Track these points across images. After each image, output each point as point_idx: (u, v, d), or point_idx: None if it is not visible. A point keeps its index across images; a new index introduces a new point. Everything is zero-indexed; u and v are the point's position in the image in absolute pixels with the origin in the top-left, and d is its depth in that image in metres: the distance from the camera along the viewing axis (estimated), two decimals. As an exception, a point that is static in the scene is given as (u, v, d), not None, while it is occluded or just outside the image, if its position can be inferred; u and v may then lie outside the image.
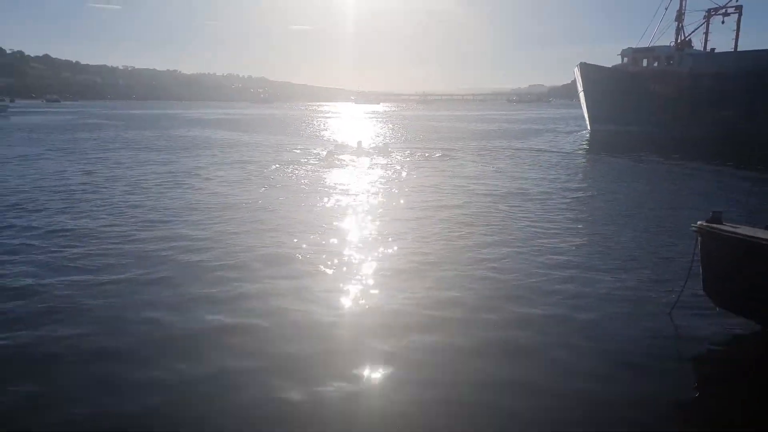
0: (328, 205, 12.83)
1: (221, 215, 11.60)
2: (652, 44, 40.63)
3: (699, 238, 6.57)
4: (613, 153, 26.24)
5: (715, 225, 6.35)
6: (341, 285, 7.57)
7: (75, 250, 8.96)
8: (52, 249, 9.03)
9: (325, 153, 23.65)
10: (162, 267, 8.15)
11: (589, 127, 41.51)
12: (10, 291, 7.15)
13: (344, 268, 8.24)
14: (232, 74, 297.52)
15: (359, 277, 7.86)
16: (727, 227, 6.24)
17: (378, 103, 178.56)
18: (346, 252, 9.04)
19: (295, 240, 9.70)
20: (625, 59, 41.31)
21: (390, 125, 55.66)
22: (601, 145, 31.00)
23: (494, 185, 15.93)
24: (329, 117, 76.30)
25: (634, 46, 40.93)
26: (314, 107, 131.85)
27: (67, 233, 10.03)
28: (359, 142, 26.95)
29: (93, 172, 18.17)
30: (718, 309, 6.57)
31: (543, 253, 9.02)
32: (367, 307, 6.86)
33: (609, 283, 7.65)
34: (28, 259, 8.46)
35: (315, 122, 59.70)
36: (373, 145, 28.05)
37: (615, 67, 41.33)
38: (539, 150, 27.63)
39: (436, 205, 12.81)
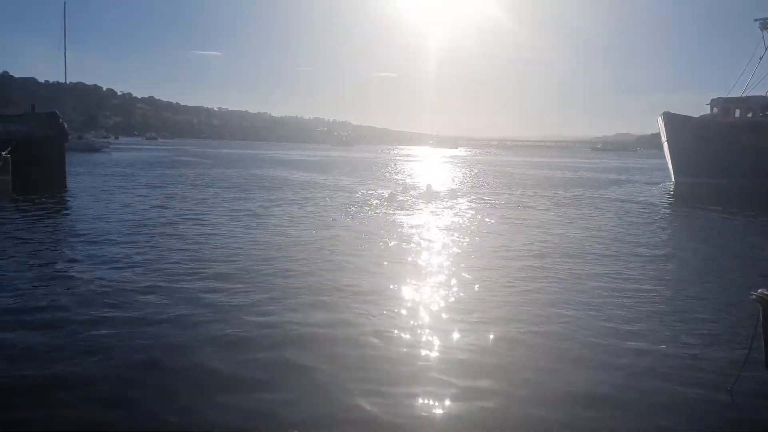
0: (375, 249, 12.83)
1: (258, 253, 11.92)
2: (744, 94, 38.56)
3: (760, 308, 6.04)
4: (698, 207, 24.76)
5: (780, 295, 5.83)
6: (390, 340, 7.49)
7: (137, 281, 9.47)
8: (102, 281, 9.53)
9: (387, 194, 23.89)
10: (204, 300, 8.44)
11: (673, 179, 39.53)
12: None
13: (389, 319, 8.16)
14: (318, 117, 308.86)
15: (409, 327, 7.75)
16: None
17: (456, 147, 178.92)
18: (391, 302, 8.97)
19: (332, 281, 9.74)
20: (715, 109, 39.38)
21: (464, 170, 55.61)
22: (686, 198, 29.41)
23: (565, 236, 15.31)
24: (405, 160, 77.38)
25: (724, 96, 39.02)
26: (392, 150, 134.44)
27: (127, 265, 10.61)
28: (428, 186, 27.09)
29: (167, 206, 19.29)
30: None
31: (607, 314, 8.42)
32: (422, 355, 6.77)
33: (671, 352, 7.05)
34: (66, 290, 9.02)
35: (390, 165, 60.73)
36: (442, 188, 28.05)
37: (703, 117, 39.46)
38: (618, 200, 26.62)
39: (496, 255, 12.45)
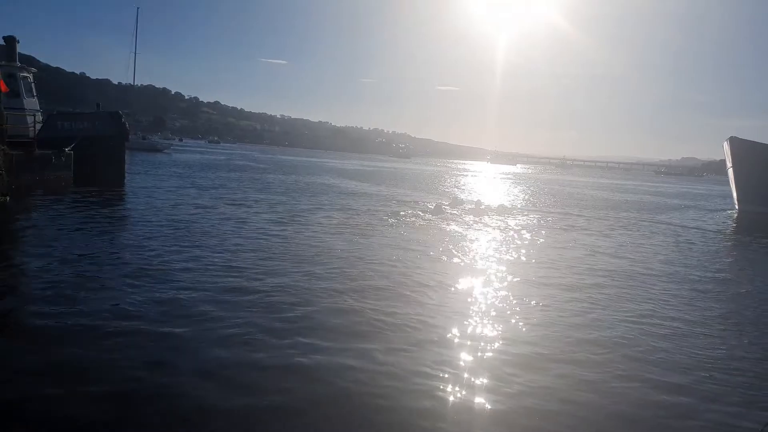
0: (410, 262, 12.72)
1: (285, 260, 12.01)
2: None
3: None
4: (760, 236, 23.34)
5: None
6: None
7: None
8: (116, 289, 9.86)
9: (433, 206, 23.71)
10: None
11: (737, 207, 37.43)
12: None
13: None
14: (377, 129, 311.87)
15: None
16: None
17: (514, 164, 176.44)
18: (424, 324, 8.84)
19: (353, 301, 9.65)
20: (788, 136, 37.21)
21: (520, 187, 54.66)
22: (750, 228, 27.76)
23: (613, 262, 14.64)
24: (461, 174, 76.80)
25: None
26: (449, 164, 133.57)
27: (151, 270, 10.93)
28: (478, 200, 26.81)
29: (210, 207, 19.83)
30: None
31: (642, 355, 7.76)
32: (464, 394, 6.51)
33: (699, 402, 6.41)
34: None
35: (445, 178, 60.36)
36: (494, 204, 27.61)
37: (772, 144, 37.24)
38: (675, 226, 25.47)
39: (533, 277, 12.00)
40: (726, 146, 38.37)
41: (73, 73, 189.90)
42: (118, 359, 6.29)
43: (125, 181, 26.55)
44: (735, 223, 30.63)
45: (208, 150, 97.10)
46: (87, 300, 8.25)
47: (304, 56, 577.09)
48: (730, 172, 38.67)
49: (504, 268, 12.60)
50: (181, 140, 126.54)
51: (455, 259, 13.28)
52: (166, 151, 69.67)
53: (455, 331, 8.01)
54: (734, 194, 38.18)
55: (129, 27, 71.24)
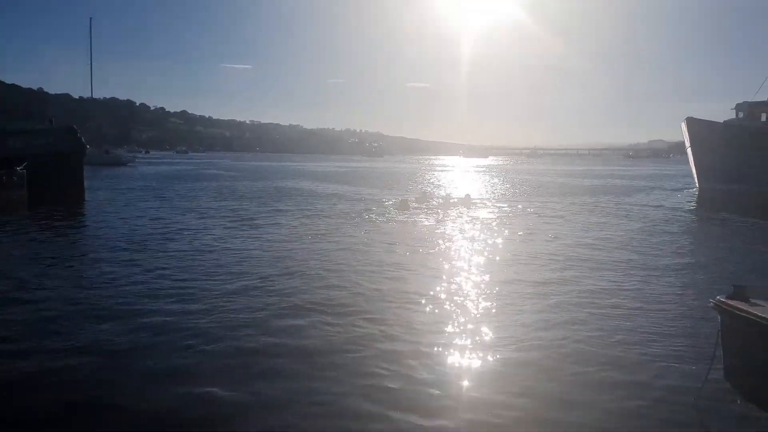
0: (369, 256, 12.70)
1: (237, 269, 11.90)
2: (771, 98, 37.11)
3: (719, 317, 5.71)
4: (721, 214, 23.90)
5: (735, 302, 5.48)
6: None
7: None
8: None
9: (398, 202, 23.85)
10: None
11: (697, 185, 38.32)
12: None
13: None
14: (349, 129, 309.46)
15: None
16: (748, 306, 5.35)
17: (486, 157, 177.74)
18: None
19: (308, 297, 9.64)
20: (740, 113, 38.03)
21: (490, 178, 55.19)
22: (709, 205, 28.46)
23: (573, 244, 14.89)
24: (433, 170, 77.14)
25: (749, 101, 37.68)
26: (422, 160, 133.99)
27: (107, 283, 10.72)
28: (447, 194, 27.09)
29: (171, 219, 19.49)
30: (739, 401, 5.58)
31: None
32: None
33: (641, 365, 6.70)
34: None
35: (416, 174, 60.48)
36: (461, 197, 27.79)
37: (727, 123, 38.13)
38: (639, 207, 26.13)
39: (494, 263, 12.22)
40: (683, 127, 39.26)
41: (30, 89, 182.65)
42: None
43: (85, 197, 25.88)
44: (694, 202, 31.29)
45: (177, 161, 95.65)
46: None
47: (269, 60, 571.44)
48: (689, 151, 39.58)
49: (463, 262, 12.67)
50: (147, 152, 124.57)
51: (413, 255, 13.28)
52: (130, 164, 68.13)
53: (401, 327, 8.01)
54: (694, 173, 39.08)
55: (84, 38, 68.88)
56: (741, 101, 39.30)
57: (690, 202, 31.16)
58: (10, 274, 10.84)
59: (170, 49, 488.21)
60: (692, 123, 38.20)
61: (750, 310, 5.21)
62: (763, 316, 5.04)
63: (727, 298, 5.58)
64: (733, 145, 35.38)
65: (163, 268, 11.39)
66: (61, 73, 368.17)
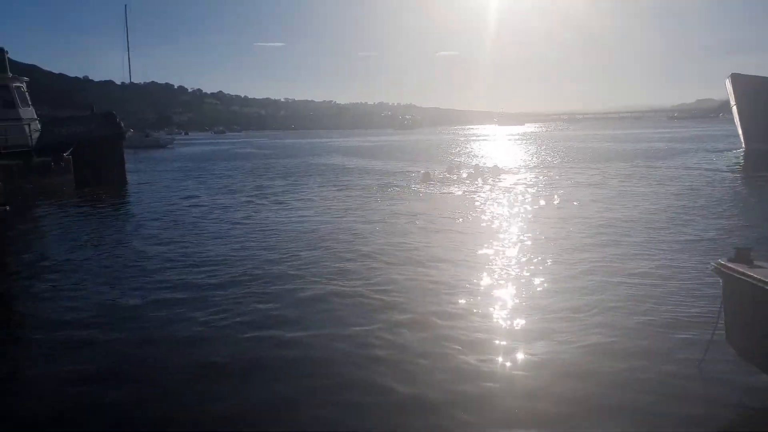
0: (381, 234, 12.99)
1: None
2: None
3: (721, 280, 5.78)
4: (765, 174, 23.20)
5: (737, 265, 5.54)
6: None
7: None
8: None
9: (422, 174, 24.11)
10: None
11: (744, 146, 36.90)
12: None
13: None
14: (382, 102, 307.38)
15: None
16: (751, 270, 5.39)
17: (522, 124, 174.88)
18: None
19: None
20: (792, 68, 36.35)
21: (525, 146, 54.52)
22: (757, 166, 27.51)
23: (602, 215, 14.63)
24: (468, 140, 76.46)
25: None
26: (456, 131, 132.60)
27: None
28: (476, 165, 27.09)
29: (199, 197, 20.32)
30: (737, 363, 5.68)
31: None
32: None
33: (651, 327, 6.89)
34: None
35: (449, 146, 60.05)
36: (490, 166, 27.76)
37: (776, 77, 36.42)
38: (680, 170, 25.48)
39: (513, 238, 12.30)
40: (728, 84, 37.69)
41: (76, 77, 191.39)
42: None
43: (127, 178, 27.02)
44: (741, 164, 30.22)
45: (215, 141, 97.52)
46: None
47: (300, 37, 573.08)
48: (734, 110, 38.07)
49: (495, 229, 12.86)
50: (186, 134, 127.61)
51: (434, 228, 13.51)
52: (169, 146, 70.16)
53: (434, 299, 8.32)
54: (740, 133, 37.63)
55: (123, 27, 69.89)
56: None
57: (733, 163, 30.15)
58: (57, 254, 11.66)
59: (205, 30, 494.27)
60: (737, 79, 36.60)
61: (749, 272, 5.22)
62: (762, 278, 5.07)
63: (728, 261, 5.61)
64: (780, 102, 33.91)
65: (196, 244, 12.04)
66: (105, 61, 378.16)
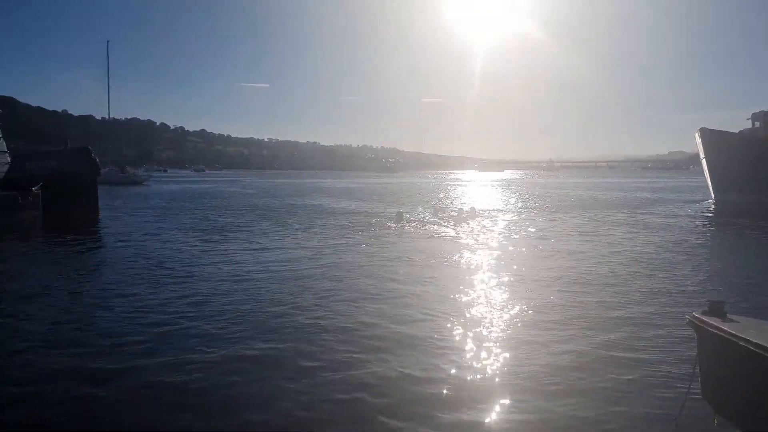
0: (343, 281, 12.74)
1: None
2: (790, 106, 36.70)
3: (695, 334, 5.63)
4: (736, 226, 23.57)
5: (710, 318, 5.40)
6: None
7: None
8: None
9: (394, 215, 24.19)
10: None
11: (713, 197, 37.73)
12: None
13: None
14: (366, 145, 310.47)
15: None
16: (723, 323, 5.25)
17: (502, 171, 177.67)
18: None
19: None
20: (757, 123, 37.50)
21: (503, 192, 55.12)
22: (725, 217, 28.03)
23: (564, 265, 14.69)
24: (448, 184, 77.16)
25: (766, 110, 37.14)
26: (437, 175, 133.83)
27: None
28: (460, 208, 27.35)
29: (165, 236, 19.79)
30: (716, 420, 5.48)
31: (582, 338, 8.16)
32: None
33: (627, 384, 6.66)
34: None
35: (427, 190, 60.35)
36: (465, 209, 27.91)
37: (743, 133, 37.64)
38: (651, 220, 25.73)
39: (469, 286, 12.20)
40: (697, 137, 38.81)
41: (54, 111, 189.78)
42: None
43: (99, 216, 26.26)
44: (710, 214, 30.77)
45: (193, 179, 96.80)
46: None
47: (286, 78, 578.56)
48: (704, 162, 39.09)
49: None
50: (165, 170, 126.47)
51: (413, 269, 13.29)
52: (145, 183, 69.17)
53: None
54: (709, 184, 38.52)
55: (105, 62, 70.24)
56: (758, 111, 38.78)
57: (702, 214, 30.69)
58: (22, 290, 11.13)
59: (189, 69, 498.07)
60: (706, 133, 37.77)
61: (722, 326, 5.10)
62: (735, 333, 4.94)
63: (702, 313, 5.49)
64: (748, 155, 34.88)
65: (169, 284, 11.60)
66: (84, 96, 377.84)
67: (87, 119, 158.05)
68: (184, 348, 7.74)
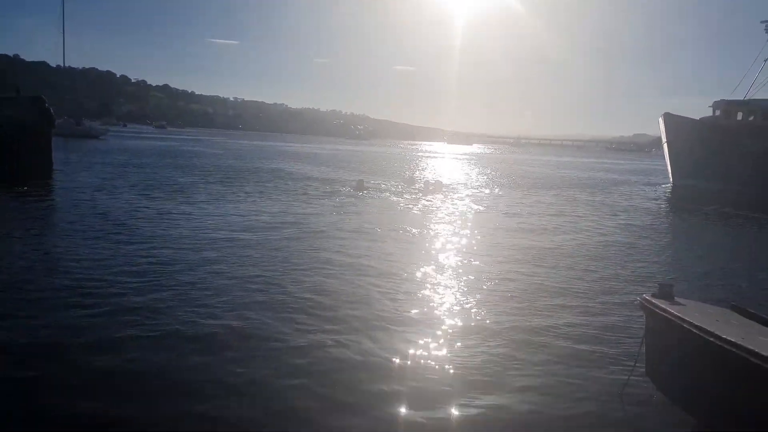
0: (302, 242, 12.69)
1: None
2: (748, 97, 37.60)
3: (644, 315, 5.80)
4: (690, 210, 24.31)
5: (659, 301, 5.55)
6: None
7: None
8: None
9: (355, 183, 24.41)
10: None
11: (671, 181, 38.80)
12: None
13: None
14: (335, 110, 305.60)
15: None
16: (671, 306, 5.40)
17: (470, 144, 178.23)
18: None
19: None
20: (717, 111, 38.42)
21: (469, 165, 55.45)
22: (682, 201, 28.89)
23: (529, 239, 14.98)
24: (415, 155, 77.11)
25: (727, 98, 38.07)
26: (406, 146, 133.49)
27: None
28: (413, 177, 27.42)
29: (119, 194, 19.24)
30: (655, 396, 5.69)
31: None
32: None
33: (575, 360, 6.80)
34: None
35: (395, 160, 60.21)
36: (430, 181, 27.99)
37: (703, 120, 38.52)
38: (607, 202, 26.17)
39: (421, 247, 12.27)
40: (660, 122, 39.56)
41: (5, 55, 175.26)
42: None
43: (53, 170, 25.22)
44: (666, 199, 31.60)
45: (155, 136, 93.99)
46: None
47: (256, 36, 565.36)
48: (665, 147, 39.97)
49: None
50: (124, 125, 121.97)
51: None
52: (102, 137, 66.28)
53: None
54: (669, 169, 39.51)
55: (66, 6, 66.17)
56: (719, 99, 39.68)
57: (661, 197, 31.53)
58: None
59: (156, 21, 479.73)
60: (668, 118, 38.55)
61: (669, 308, 5.25)
62: (680, 315, 5.08)
63: (651, 296, 5.64)
64: (707, 142, 35.85)
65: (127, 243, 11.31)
66: (40, 42, 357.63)
67: (41, 66, 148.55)
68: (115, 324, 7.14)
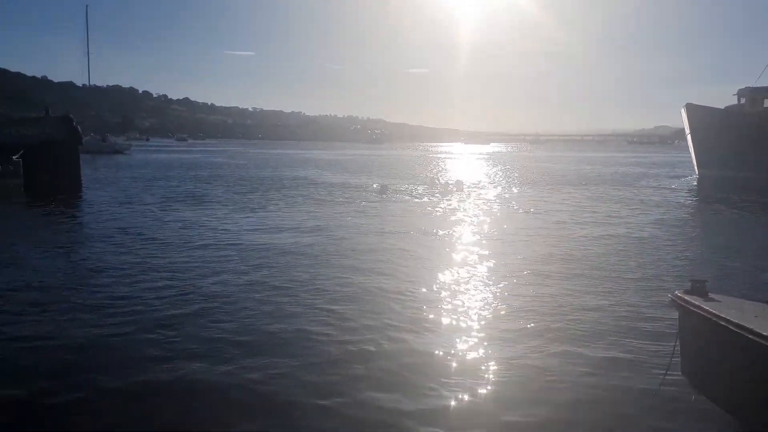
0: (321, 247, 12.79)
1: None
2: (775, 83, 36.83)
3: (677, 312, 5.74)
4: (718, 201, 23.86)
5: (692, 297, 5.49)
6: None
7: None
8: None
9: (379, 186, 24.51)
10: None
11: (696, 173, 38.11)
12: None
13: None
14: (351, 116, 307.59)
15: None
16: (705, 303, 5.34)
17: (488, 144, 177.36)
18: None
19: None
20: (742, 100, 37.67)
21: (488, 165, 55.17)
22: (707, 193, 28.33)
23: (560, 237, 14.82)
24: (433, 157, 76.99)
25: (752, 86, 37.30)
26: (424, 148, 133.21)
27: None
28: (433, 179, 27.48)
29: (166, 210, 19.61)
30: (694, 397, 5.63)
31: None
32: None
33: (604, 358, 6.80)
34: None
35: (414, 162, 60.19)
36: (450, 182, 28.11)
37: (728, 108, 37.83)
38: (633, 195, 25.82)
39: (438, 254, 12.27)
40: (683, 113, 38.97)
41: (34, 77, 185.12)
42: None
43: (82, 185, 25.87)
44: (694, 190, 31.02)
45: (176, 149, 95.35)
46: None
47: (272, 47, 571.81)
48: (689, 138, 39.34)
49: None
50: (147, 139, 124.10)
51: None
52: (126, 152, 68.53)
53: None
54: (693, 160, 38.87)
55: (90, 26, 68.27)
56: (744, 87, 38.87)
57: (686, 190, 30.96)
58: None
59: (174, 36, 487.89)
60: (691, 109, 37.93)
61: (703, 305, 5.19)
62: (715, 312, 5.02)
63: (684, 292, 5.57)
64: (732, 131, 35.16)
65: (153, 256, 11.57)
66: (65, 62, 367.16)
67: (68, 86, 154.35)
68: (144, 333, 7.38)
